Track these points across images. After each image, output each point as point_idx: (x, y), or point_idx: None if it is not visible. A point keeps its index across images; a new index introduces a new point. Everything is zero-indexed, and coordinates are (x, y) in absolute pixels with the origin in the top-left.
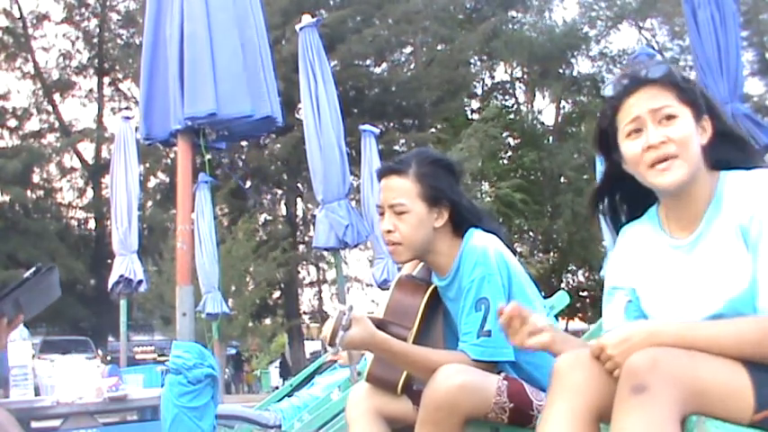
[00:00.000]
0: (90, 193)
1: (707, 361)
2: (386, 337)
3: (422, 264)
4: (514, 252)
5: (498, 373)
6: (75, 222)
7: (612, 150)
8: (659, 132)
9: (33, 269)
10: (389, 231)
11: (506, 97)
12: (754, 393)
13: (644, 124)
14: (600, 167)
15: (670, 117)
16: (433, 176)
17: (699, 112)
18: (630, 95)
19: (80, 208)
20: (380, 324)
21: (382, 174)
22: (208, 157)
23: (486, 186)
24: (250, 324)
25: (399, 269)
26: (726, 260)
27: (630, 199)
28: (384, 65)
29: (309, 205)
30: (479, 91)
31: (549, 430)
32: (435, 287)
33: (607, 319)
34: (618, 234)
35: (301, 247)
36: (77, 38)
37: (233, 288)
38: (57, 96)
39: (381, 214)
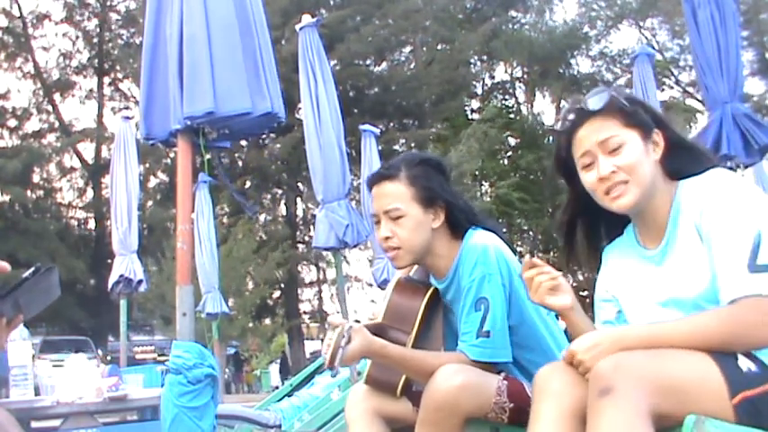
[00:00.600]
0: (90, 193)
1: (673, 357)
2: (383, 343)
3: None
4: (514, 251)
5: (499, 372)
6: (75, 222)
7: (574, 177)
8: (609, 163)
9: (32, 269)
10: (388, 238)
11: (506, 97)
12: (725, 380)
13: (595, 157)
14: None
15: (618, 147)
16: (425, 177)
17: (647, 131)
18: (578, 129)
19: (80, 208)
20: (380, 329)
21: (373, 182)
22: (207, 156)
23: (486, 186)
24: (250, 324)
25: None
26: (689, 262)
27: (607, 220)
28: (384, 64)
29: (309, 205)
30: (479, 91)
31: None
32: (435, 289)
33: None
34: (598, 256)
35: (301, 246)
36: (77, 38)
37: (233, 288)
38: (57, 96)
39: (377, 223)
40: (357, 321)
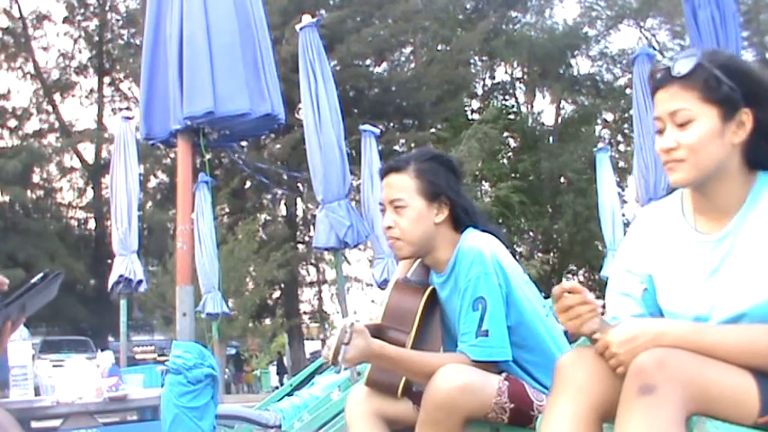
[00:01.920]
0: (90, 193)
1: (716, 365)
2: (383, 345)
3: (417, 264)
4: (513, 253)
5: (500, 372)
6: (75, 222)
7: None
8: (672, 137)
9: (41, 275)
10: (390, 227)
11: (506, 97)
12: (759, 397)
13: (664, 125)
14: (600, 168)
15: (687, 122)
16: (432, 172)
17: (730, 110)
18: (657, 92)
19: (80, 208)
20: (379, 329)
21: (383, 173)
22: (208, 156)
23: (486, 186)
24: (250, 324)
25: None
26: (756, 261)
27: None
28: (384, 65)
29: (309, 205)
30: (479, 91)
31: (552, 430)
32: (432, 290)
33: (617, 304)
34: None
35: (301, 247)
36: (77, 38)
37: (233, 288)
38: (57, 96)
39: (383, 211)
40: (355, 313)
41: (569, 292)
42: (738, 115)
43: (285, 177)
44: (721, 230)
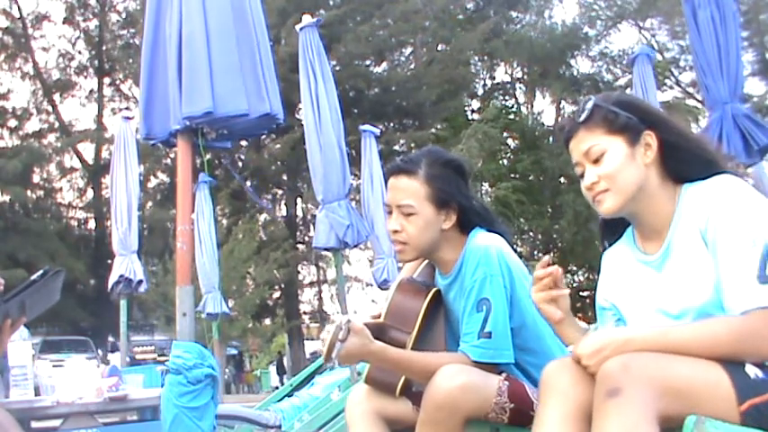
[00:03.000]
0: (90, 193)
1: (681, 361)
2: (383, 346)
3: (423, 265)
4: (515, 252)
5: (500, 373)
6: (75, 222)
7: None
8: (592, 173)
9: (41, 272)
10: (396, 231)
11: (506, 98)
12: (733, 387)
13: (583, 167)
14: None
15: (600, 156)
16: (443, 179)
17: (633, 135)
18: (570, 142)
19: (80, 208)
20: (381, 328)
21: (391, 173)
22: (207, 157)
23: (486, 186)
24: (250, 324)
25: (399, 269)
26: (692, 269)
27: (609, 223)
28: (384, 65)
29: (309, 205)
30: (479, 91)
31: (542, 429)
32: (437, 291)
33: None
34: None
35: (301, 247)
36: (77, 38)
37: (233, 288)
38: (57, 96)
39: (389, 213)
40: (355, 313)
41: (546, 267)
42: (643, 138)
43: (285, 178)
44: (660, 248)
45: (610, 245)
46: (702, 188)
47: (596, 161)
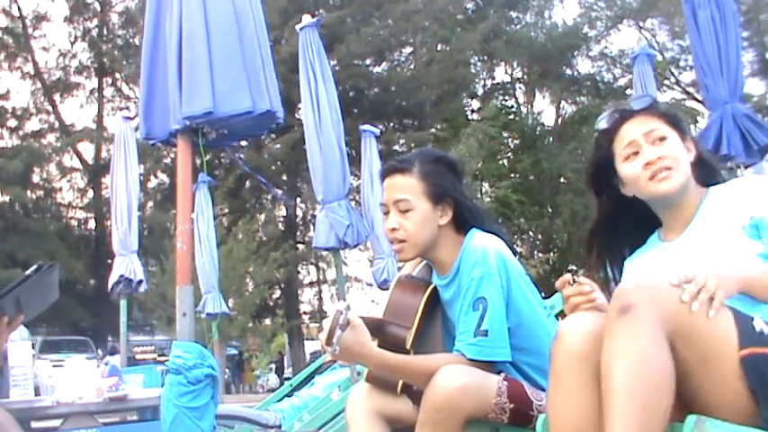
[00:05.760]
0: (90, 193)
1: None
2: (382, 353)
3: (422, 264)
4: (514, 253)
5: (498, 373)
6: (75, 222)
7: (611, 178)
8: (654, 151)
9: (35, 267)
10: (394, 229)
11: (506, 98)
12: (737, 330)
13: (639, 146)
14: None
15: (662, 138)
16: (437, 174)
17: (684, 134)
18: (623, 124)
19: (80, 208)
20: (380, 324)
21: (386, 173)
22: (207, 157)
23: (486, 186)
24: (250, 324)
25: (399, 269)
26: (716, 244)
27: (635, 231)
28: (384, 65)
29: (309, 205)
30: (479, 91)
31: (561, 398)
32: (435, 287)
33: None
34: (611, 267)
35: (301, 247)
36: (77, 38)
37: (233, 288)
38: (57, 96)
39: (386, 213)
40: (348, 307)
41: (569, 285)
42: (687, 140)
43: (285, 178)
44: (681, 236)
45: (630, 253)
46: (734, 185)
47: (659, 141)
